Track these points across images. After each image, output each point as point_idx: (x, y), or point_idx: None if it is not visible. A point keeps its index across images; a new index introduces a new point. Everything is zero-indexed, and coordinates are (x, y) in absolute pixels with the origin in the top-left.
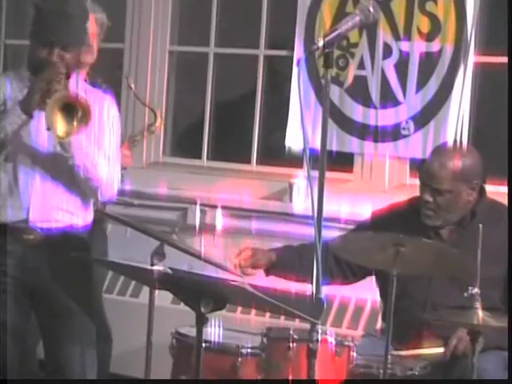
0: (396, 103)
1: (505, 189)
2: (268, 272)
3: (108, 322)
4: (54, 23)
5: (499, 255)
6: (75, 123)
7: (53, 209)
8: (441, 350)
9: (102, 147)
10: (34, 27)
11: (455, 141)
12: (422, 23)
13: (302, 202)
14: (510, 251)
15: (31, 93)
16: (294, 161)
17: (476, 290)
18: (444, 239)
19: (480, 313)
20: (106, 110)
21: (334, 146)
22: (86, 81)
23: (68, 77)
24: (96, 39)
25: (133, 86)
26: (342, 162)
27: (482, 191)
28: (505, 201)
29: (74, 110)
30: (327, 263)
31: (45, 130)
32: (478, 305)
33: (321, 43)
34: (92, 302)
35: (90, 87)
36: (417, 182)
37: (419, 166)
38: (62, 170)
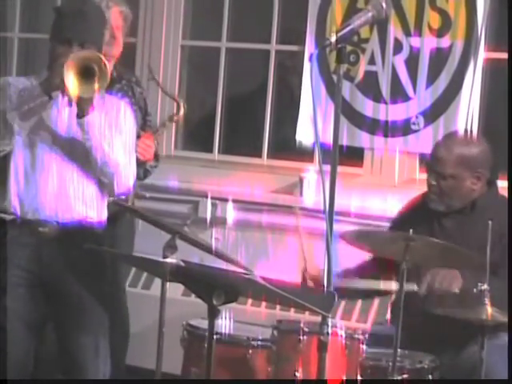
0: (406, 98)
1: None
2: None
3: (128, 315)
4: (72, 22)
5: (497, 244)
6: (96, 83)
7: (68, 201)
8: (414, 286)
9: (120, 138)
10: (53, 29)
11: (465, 130)
12: (433, 19)
13: (312, 195)
14: (509, 250)
15: (51, 73)
16: (305, 155)
17: (485, 286)
18: (447, 227)
19: (489, 309)
20: (122, 113)
21: (344, 140)
22: (111, 75)
23: None
24: (121, 32)
25: (157, 76)
26: (352, 156)
27: (491, 184)
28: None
29: (91, 70)
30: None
31: (64, 114)
32: (486, 301)
33: (333, 38)
34: (105, 293)
35: (105, 94)
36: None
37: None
38: (79, 155)
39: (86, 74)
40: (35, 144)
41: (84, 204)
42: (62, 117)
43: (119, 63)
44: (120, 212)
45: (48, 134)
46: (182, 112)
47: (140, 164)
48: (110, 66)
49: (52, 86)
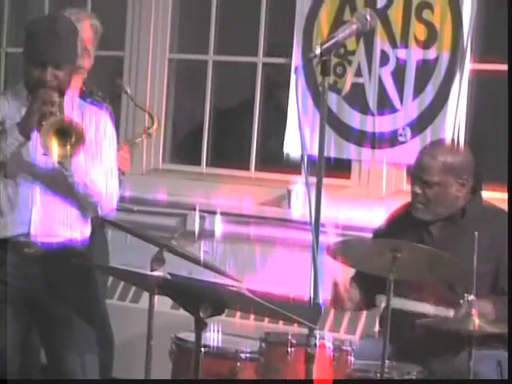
0: (393, 110)
1: (501, 195)
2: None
3: (111, 328)
4: (45, 43)
5: (487, 255)
6: (69, 147)
7: (53, 223)
8: (451, 312)
9: (100, 162)
10: (25, 48)
11: (447, 138)
12: (419, 31)
13: (300, 208)
14: (510, 253)
15: (28, 115)
16: (293, 167)
17: (472, 297)
18: (435, 236)
19: (476, 320)
20: (102, 126)
21: (331, 152)
22: (81, 89)
23: (62, 94)
24: (92, 44)
25: (128, 90)
26: (340, 168)
27: (475, 192)
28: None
29: (68, 134)
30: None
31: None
32: (474, 311)
33: (318, 51)
34: (92, 310)
35: (85, 103)
36: None
37: (410, 164)
38: (61, 186)
39: (63, 138)
40: (17, 175)
41: (68, 227)
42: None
43: (88, 78)
44: (93, 229)
45: (29, 169)
46: (155, 125)
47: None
48: (80, 79)
49: (30, 127)
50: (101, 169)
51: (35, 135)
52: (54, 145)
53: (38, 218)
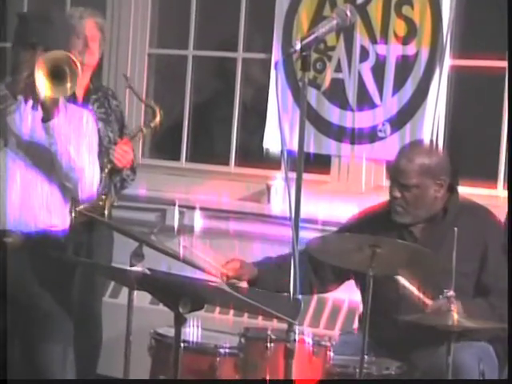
0: (372, 106)
1: (481, 191)
2: (250, 285)
3: (101, 325)
4: (36, 27)
5: (471, 252)
6: (66, 83)
7: (32, 209)
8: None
9: (84, 145)
10: (16, 33)
11: (422, 139)
12: (399, 27)
13: (279, 203)
14: (509, 253)
15: (17, 75)
16: (272, 162)
17: (451, 293)
18: (417, 237)
19: (455, 315)
20: (84, 121)
21: (311, 147)
22: (88, 85)
23: None
24: (97, 42)
25: (131, 84)
26: (320, 163)
27: (452, 190)
28: (479, 202)
29: (62, 71)
30: (306, 274)
31: (28, 118)
32: (453, 307)
33: (298, 46)
34: (72, 303)
35: (69, 104)
36: None
37: (388, 165)
38: (44, 160)
39: (57, 74)
40: None
41: (48, 212)
42: (26, 122)
43: (96, 75)
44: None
45: (12, 139)
46: (158, 118)
47: (117, 172)
48: (86, 76)
49: (18, 88)
50: (84, 151)
51: (22, 104)
52: (49, 82)
53: (17, 205)
